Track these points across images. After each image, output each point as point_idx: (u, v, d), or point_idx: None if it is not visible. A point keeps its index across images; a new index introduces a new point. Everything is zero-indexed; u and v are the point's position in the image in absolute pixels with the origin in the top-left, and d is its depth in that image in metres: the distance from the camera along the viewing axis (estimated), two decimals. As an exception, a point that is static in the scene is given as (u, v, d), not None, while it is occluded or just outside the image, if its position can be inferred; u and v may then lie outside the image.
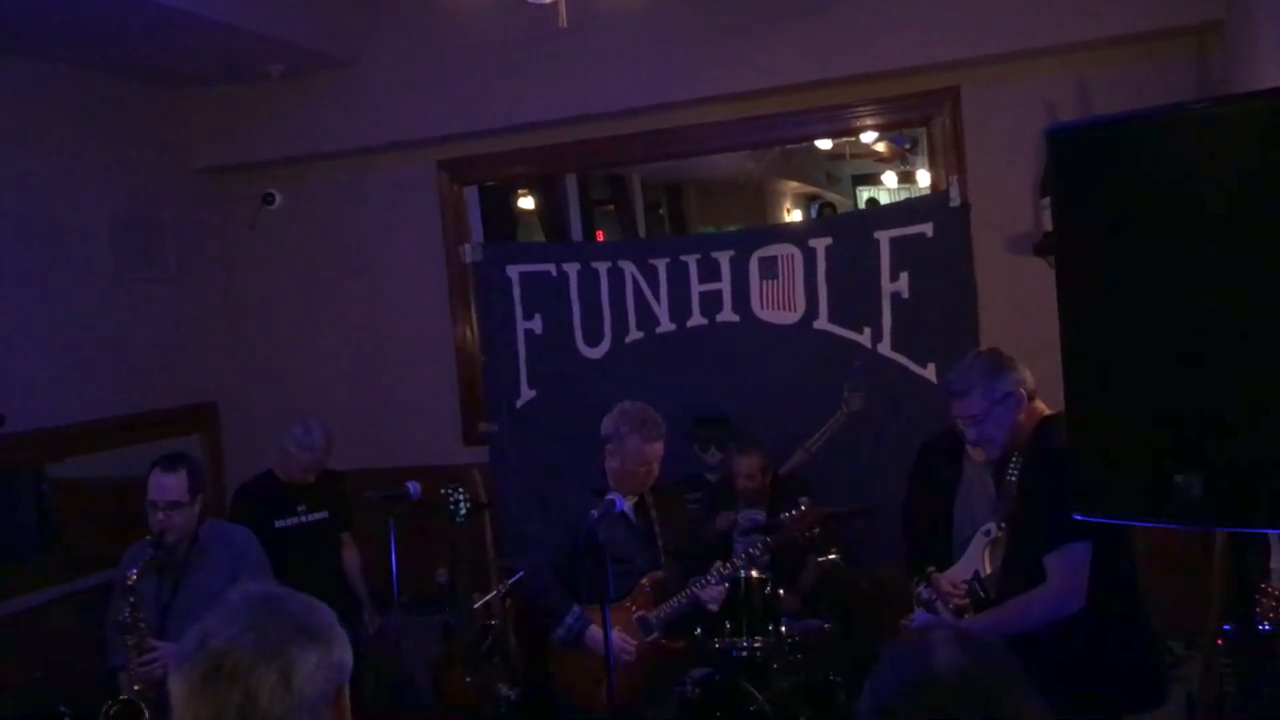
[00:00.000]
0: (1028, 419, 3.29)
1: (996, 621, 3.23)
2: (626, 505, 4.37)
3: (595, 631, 4.10)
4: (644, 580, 4.26)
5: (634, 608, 4.24)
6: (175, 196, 6.04)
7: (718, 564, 4.32)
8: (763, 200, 11.30)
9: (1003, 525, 4.02)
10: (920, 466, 4.61)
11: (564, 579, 4.25)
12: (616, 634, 4.13)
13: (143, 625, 3.90)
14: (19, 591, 4.98)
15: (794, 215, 11.52)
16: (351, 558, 5.31)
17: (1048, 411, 3.33)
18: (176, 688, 1.58)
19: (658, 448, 4.29)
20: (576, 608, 4.17)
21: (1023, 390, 3.30)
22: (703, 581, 4.24)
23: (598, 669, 4.05)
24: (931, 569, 4.19)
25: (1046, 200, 4.91)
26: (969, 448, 4.40)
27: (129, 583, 3.89)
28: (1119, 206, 2.37)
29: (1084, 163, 2.45)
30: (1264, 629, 2.87)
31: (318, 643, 1.60)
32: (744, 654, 4.42)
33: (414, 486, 4.79)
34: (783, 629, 4.46)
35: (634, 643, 4.16)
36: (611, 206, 10.05)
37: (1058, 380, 2.43)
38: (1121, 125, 2.46)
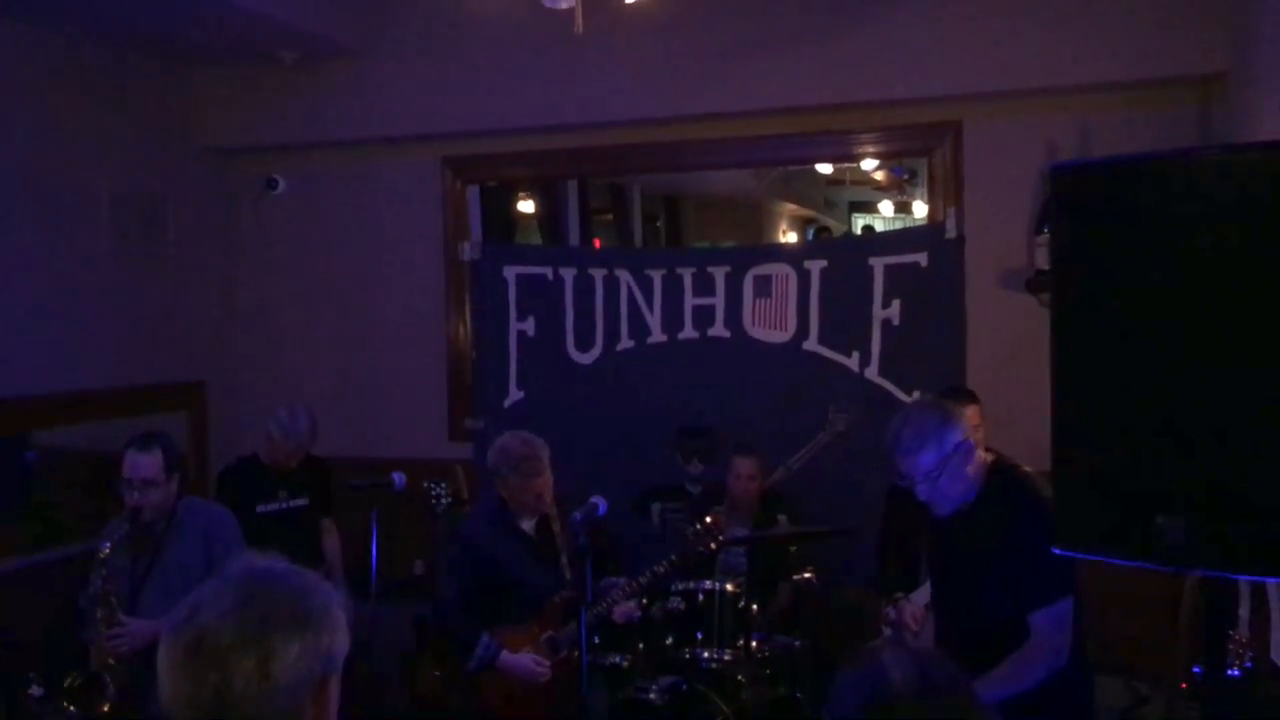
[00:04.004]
0: (975, 470, 3.18)
1: (999, 684, 3.07)
2: (528, 526, 4.38)
3: (507, 656, 4.15)
4: (555, 599, 4.26)
5: (541, 628, 4.25)
6: (179, 174, 6.05)
7: (624, 581, 4.30)
8: (760, 220, 11.37)
9: None
10: (895, 490, 4.65)
11: (474, 606, 4.24)
12: (529, 655, 4.16)
13: (113, 599, 3.90)
14: (-6, 556, 4.97)
15: (790, 237, 11.61)
16: (332, 543, 5.30)
17: (988, 459, 3.25)
18: (162, 656, 1.57)
19: (542, 481, 4.28)
20: (484, 636, 4.15)
21: (970, 440, 3.16)
22: (613, 597, 4.24)
23: (511, 690, 4.13)
24: (900, 595, 4.24)
25: (1041, 238, 4.97)
26: None
27: (102, 556, 3.90)
28: (1117, 247, 2.40)
29: (1085, 202, 2.49)
30: (1233, 674, 2.91)
31: (305, 631, 1.58)
32: (713, 665, 4.44)
33: (399, 477, 4.80)
34: (753, 643, 4.48)
35: (548, 662, 4.17)
36: (610, 216, 10.10)
37: (1041, 415, 2.45)
38: (1124, 167, 2.49)
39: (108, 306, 5.58)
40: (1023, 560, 3.03)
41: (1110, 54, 4.87)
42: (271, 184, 6.20)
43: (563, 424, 5.22)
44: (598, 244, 9.51)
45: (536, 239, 8.90)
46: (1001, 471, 3.23)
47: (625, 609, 4.27)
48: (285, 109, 6.05)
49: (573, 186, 8.87)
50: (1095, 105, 5.08)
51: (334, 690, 1.64)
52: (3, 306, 5.02)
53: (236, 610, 1.56)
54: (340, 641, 1.63)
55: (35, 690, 3.93)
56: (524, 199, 8.69)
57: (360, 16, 5.71)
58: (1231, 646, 3.13)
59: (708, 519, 4.38)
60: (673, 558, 4.32)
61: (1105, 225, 2.43)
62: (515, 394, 5.89)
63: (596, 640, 4.32)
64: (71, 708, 3.79)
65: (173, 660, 1.56)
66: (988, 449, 3.30)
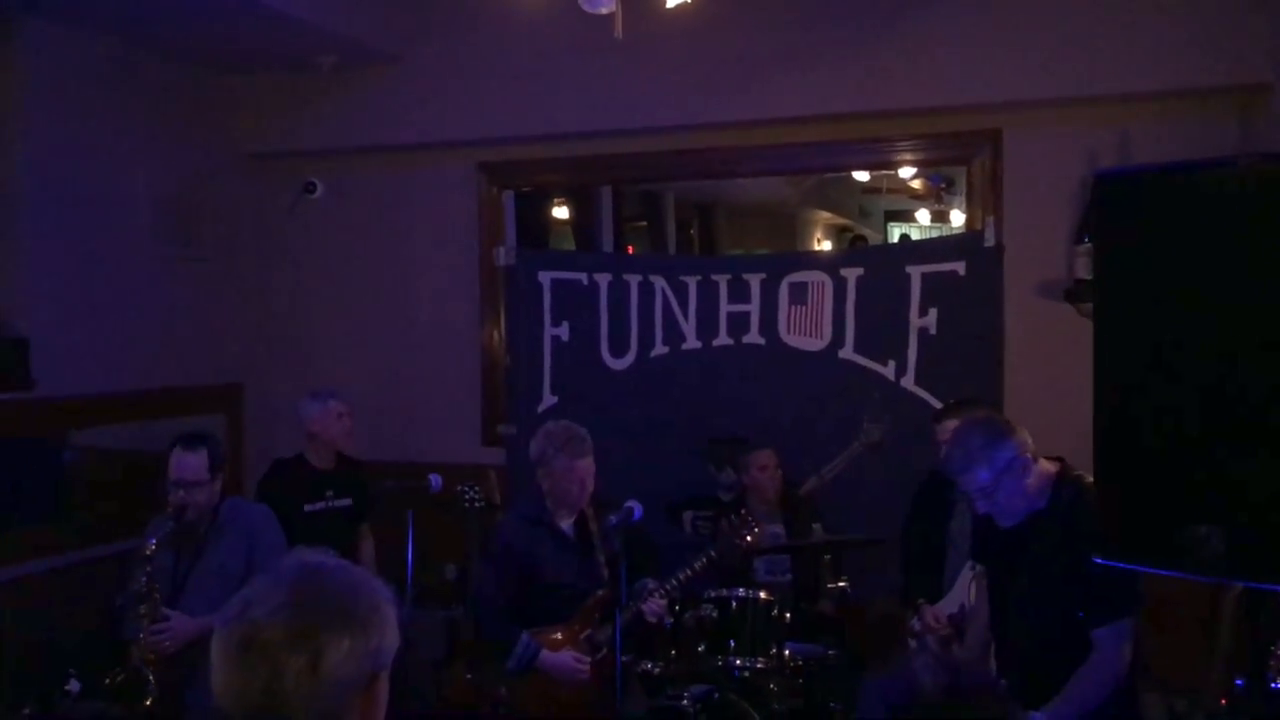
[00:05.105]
0: (1036, 481, 3.22)
1: (1069, 705, 3.11)
2: (566, 525, 4.37)
3: (547, 655, 4.15)
4: (592, 599, 4.25)
5: (579, 628, 4.24)
6: (218, 179, 6.11)
7: (651, 580, 4.30)
8: (794, 228, 11.35)
9: None
10: (917, 501, 4.65)
11: (510, 606, 4.24)
12: (569, 654, 4.16)
13: (157, 596, 3.94)
14: (30, 556, 5.00)
15: (824, 246, 11.57)
16: (367, 549, 5.31)
17: (1052, 469, 3.27)
18: (215, 650, 1.60)
19: (586, 463, 4.28)
20: (525, 636, 4.15)
21: (1028, 454, 3.19)
22: (645, 594, 4.23)
23: (551, 690, 4.12)
24: (922, 601, 4.24)
25: (1080, 247, 4.93)
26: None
27: (147, 553, 3.94)
28: (1160, 256, 2.39)
29: (1129, 210, 2.47)
30: (1276, 686, 2.88)
31: (353, 628, 1.59)
32: (745, 674, 4.42)
33: (436, 479, 4.80)
34: (785, 652, 4.46)
35: (587, 661, 4.17)
36: (644, 223, 10.12)
37: (1079, 426, 2.43)
38: (1169, 175, 2.48)
39: (147, 309, 5.63)
40: (1088, 574, 3.00)
41: (1151, 63, 4.82)
42: (309, 188, 6.24)
43: (596, 430, 5.17)
44: (631, 251, 9.52)
45: (570, 246, 8.92)
46: (1067, 483, 3.23)
47: (656, 606, 4.25)
48: (323, 114, 6.10)
49: (607, 193, 8.89)
50: (1136, 114, 5.03)
51: (383, 688, 1.66)
52: (44, 308, 5.08)
53: (288, 607, 1.59)
54: (390, 639, 1.65)
55: (72, 686, 3.98)
56: (558, 205, 8.71)
57: (397, 22, 5.74)
58: (1274, 661, 3.10)
59: (742, 510, 4.41)
60: (711, 553, 4.33)
61: (1149, 233, 2.42)
62: (549, 399, 5.89)
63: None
64: (117, 707, 3.83)
65: (225, 655, 1.59)
66: (1054, 459, 3.31)
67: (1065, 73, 4.95)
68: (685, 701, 4.30)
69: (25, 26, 4.98)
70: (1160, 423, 2.37)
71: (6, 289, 5.04)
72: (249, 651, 1.56)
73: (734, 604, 4.47)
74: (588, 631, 4.23)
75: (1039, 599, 3.24)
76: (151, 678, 3.83)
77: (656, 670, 4.44)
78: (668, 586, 4.26)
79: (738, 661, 4.41)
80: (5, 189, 5.04)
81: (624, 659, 3.82)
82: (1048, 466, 3.25)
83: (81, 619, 4.80)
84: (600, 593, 4.22)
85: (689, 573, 4.28)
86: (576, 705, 4.17)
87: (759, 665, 4.40)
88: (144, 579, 3.93)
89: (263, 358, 6.39)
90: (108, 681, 3.86)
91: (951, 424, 4.35)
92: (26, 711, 4.17)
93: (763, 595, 4.48)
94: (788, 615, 4.49)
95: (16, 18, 4.94)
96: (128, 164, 5.53)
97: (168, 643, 3.89)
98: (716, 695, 4.35)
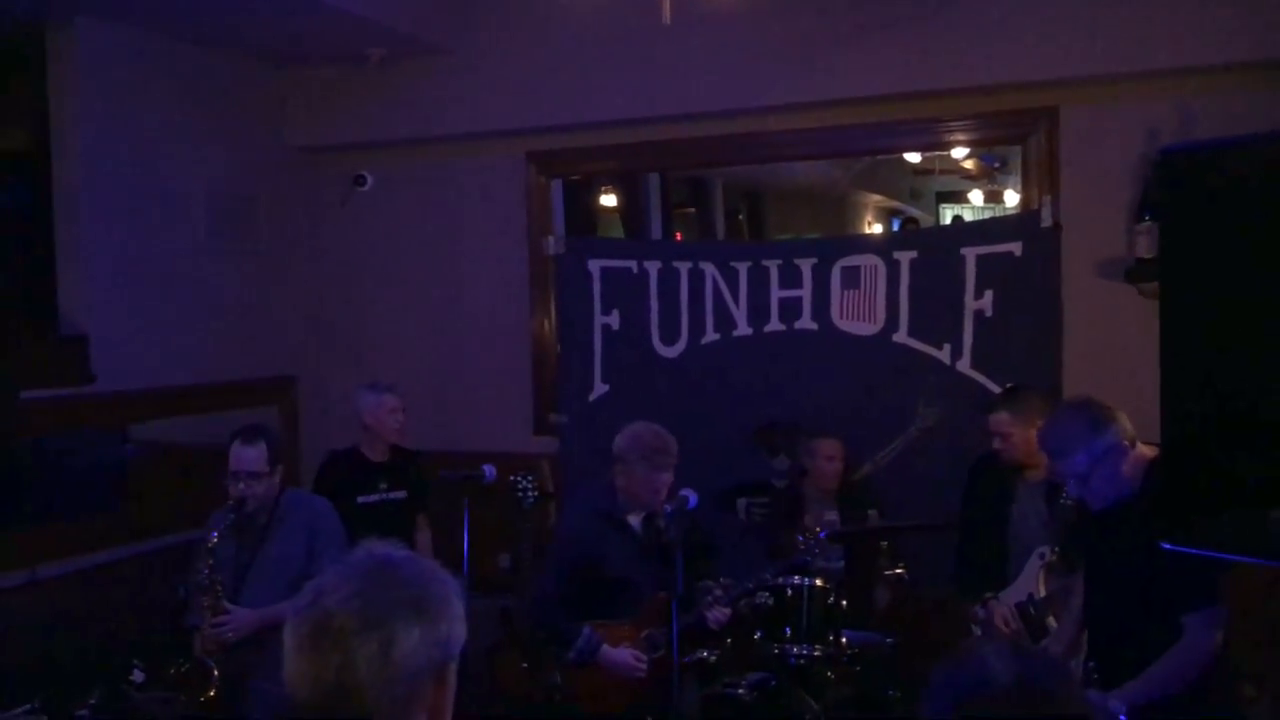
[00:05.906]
0: (1131, 468, 3.19)
1: (1151, 687, 3.11)
2: (635, 521, 4.33)
3: (608, 650, 4.13)
4: (655, 597, 4.22)
5: (641, 625, 4.22)
6: (270, 172, 6.16)
7: (717, 586, 4.26)
8: (844, 211, 11.26)
9: (1056, 549, 4.00)
10: (972, 487, 4.57)
11: (572, 599, 4.22)
12: (629, 650, 4.14)
13: (219, 587, 4.01)
14: (92, 548, 5.08)
15: (875, 229, 11.47)
16: (424, 540, 5.33)
17: (1150, 454, 3.20)
18: (287, 638, 1.62)
19: (665, 477, 4.21)
20: (586, 629, 4.14)
21: (1125, 441, 3.17)
22: (709, 600, 4.20)
23: (607, 683, 4.11)
24: (989, 595, 4.17)
25: (1140, 226, 4.83)
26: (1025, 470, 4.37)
27: (209, 545, 4.00)
28: (1228, 232, 2.33)
29: (1194, 186, 2.41)
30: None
31: (424, 618, 1.61)
32: (802, 661, 4.39)
33: (490, 469, 4.82)
34: (843, 639, 4.42)
35: (645, 658, 4.15)
36: (692, 209, 10.08)
37: (1142, 409, 2.38)
38: (1236, 150, 2.41)
39: (202, 302, 5.70)
40: (1179, 561, 2.98)
41: (1212, 36, 4.70)
42: (359, 181, 6.29)
43: (647, 418, 5.16)
44: (679, 238, 9.50)
45: (619, 233, 8.90)
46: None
47: (720, 615, 4.22)
48: (372, 107, 6.12)
49: (654, 180, 8.86)
50: (1196, 89, 4.90)
51: (452, 678, 1.68)
52: (104, 303, 5.16)
53: (359, 596, 1.60)
54: (458, 630, 1.67)
55: (136, 675, 4.04)
56: (605, 193, 8.70)
57: (444, 13, 5.74)
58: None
59: (816, 528, 4.40)
60: (782, 568, 4.33)
61: (1216, 209, 2.35)
62: (600, 388, 5.89)
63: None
64: (182, 696, 3.89)
65: (297, 643, 1.61)
66: (1153, 444, 3.26)
67: (1123, 47, 4.84)
68: (741, 689, 4.29)
69: (79, 24, 5.04)
70: (1230, 405, 2.32)
71: (67, 286, 5.13)
72: (321, 640, 1.58)
73: (790, 591, 4.45)
74: (648, 630, 4.20)
75: (1129, 583, 3.22)
76: (215, 669, 3.88)
77: (712, 658, 4.42)
78: (734, 594, 4.23)
79: (794, 649, 4.38)
80: (63, 186, 5.13)
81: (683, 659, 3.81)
82: (1146, 451, 3.21)
83: (144, 609, 4.87)
84: (664, 594, 4.20)
85: (758, 582, 4.28)
86: (630, 697, 4.17)
87: (816, 653, 4.37)
88: (206, 571, 3.99)
89: (315, 350, 6.45)
90: (172, 671, 3.92)
91: (1004, 416, 4.29)
92: (92, 701, 4.24)
93: (819, 583, 4.45)
94: (844, 603, 4.45)
95: (70, 15, 5.00)
96: (182, 159, 5.59)
97: (229, 635, 3.95)
98: (773, 683, 4.34)
